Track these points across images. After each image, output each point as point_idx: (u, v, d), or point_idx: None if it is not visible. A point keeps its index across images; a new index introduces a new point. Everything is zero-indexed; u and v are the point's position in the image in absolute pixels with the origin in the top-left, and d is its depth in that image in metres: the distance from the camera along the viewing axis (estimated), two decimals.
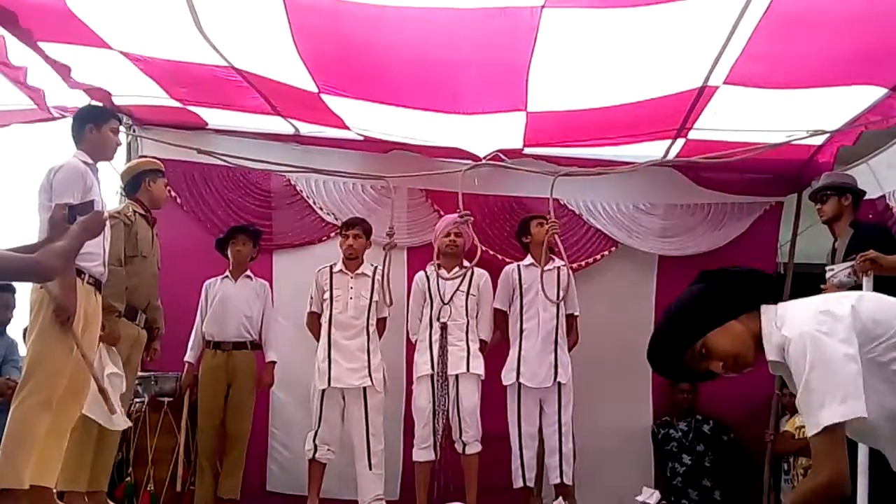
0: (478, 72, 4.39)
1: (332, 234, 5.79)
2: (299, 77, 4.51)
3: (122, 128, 5.44)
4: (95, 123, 4.07)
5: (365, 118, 5.19)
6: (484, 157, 5.57)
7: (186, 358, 5.27)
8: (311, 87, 4.63)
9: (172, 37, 4.24)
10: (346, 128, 5.43)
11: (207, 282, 5.42)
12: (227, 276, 5.41)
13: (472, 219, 5.26)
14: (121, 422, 4.12)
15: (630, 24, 3.78)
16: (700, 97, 4.55)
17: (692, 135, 5.23)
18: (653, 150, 5.55)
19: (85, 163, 3.96)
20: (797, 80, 4.32)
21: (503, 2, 3.62)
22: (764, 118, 4.88)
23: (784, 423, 5.68)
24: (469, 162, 5.55)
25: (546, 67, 4.18)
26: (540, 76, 4.27)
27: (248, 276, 5.44)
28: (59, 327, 3.68)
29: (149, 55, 4.52)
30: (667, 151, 5.54)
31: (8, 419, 3.64)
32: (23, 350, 5.06)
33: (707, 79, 4.30)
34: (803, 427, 5.27)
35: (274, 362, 5.39)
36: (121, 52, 4.49)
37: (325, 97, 4.77)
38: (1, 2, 3.95)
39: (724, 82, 4.34)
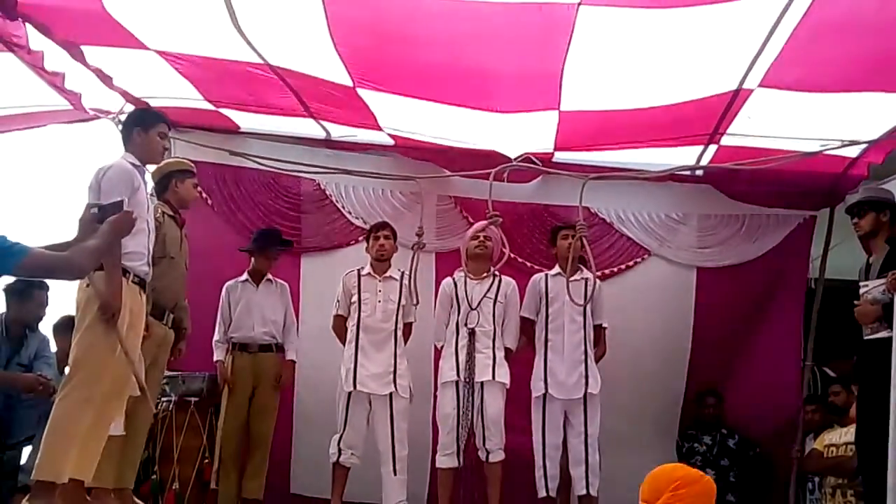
0: (513, 68, 4.36)
1: (360, 239, 5.77)
2: (334, 70, 4.51)
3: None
4: (143, 127, 4.13)
5: (398, 115, 5.18)
6: (514, 159, 5.55)
7: (217, 358, 5.31)
8: (347, 80, 4.63)
9: (208, 34, 4.28)
10: (378, 127, 5.43)
11: (228, 284, 5.46)
12: (247, 280, 5.44)
13: (500, 220, 5.28)
14: (118, 427, 4.12)
15: (666, 24, 3.76)
16: (734, 100, 4.52)
17: (725, 141, 5.19)
18: (684, 157, 5.53)
19: (133, 164, 4.01)
20: (832, 85, 4.26)
21: None
22: (798, 126, 4.83)
23: (811, 441, 5.60)
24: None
25: (581, 66, 4.16)
26: (574, 75, 4.25)
27: (270, 280, 5.48)
28: (104, 325, 3.73)
29: (184, 53, 4.55)
30: (699, 158, 5.50)
31: (51, 414, 3.68)
32: (54, 346, 5.15)
33: (742, 81, 4.27)
34: (832, 446, 5.23)
35: (293, 361, 5.44)
36: (157, 52, 4.53)
37: (360, 91, 4.77)
38: (38, 11, 4.00)
39: (760, 85, 4.30)
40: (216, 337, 5.37)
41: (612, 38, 3.93)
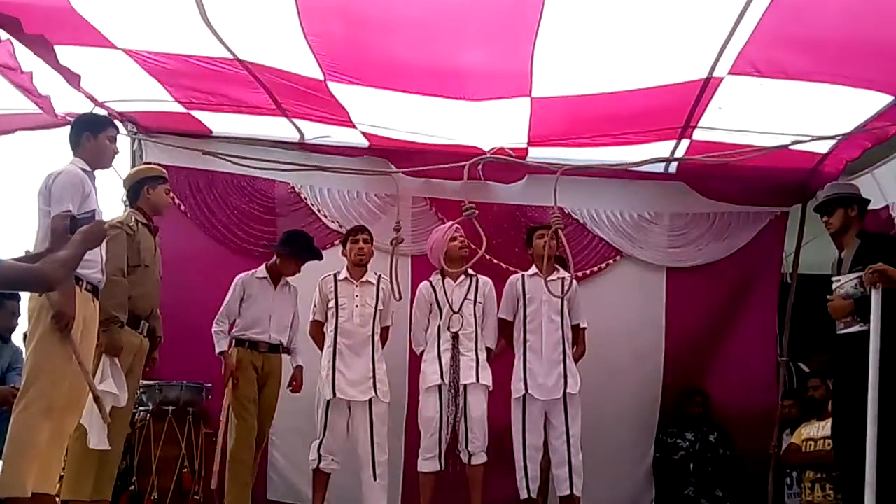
0: (483, 53, 4.35)
1: (336, 242, 5.74)
2: (305, 63, 4.48)
3: (126, 135, 5.47)
4: (92, 132, 4.06)
5: (370, 109, 5.15)
6: (488, 152, 5.54)
7: (221, 349, 5.15)
8: (318, 74, 4.59)
9: (176, 30, 4.24)
10: (352, 124, 5.40)
11: (244, 278, 5.29)
12: (265, 279, 5.31)
13: (476, 212, 5.27)
14: (102, 442, 4.08)
15: (636, 6, 3.78)
16: (705, 89, 4.54)
17: (697, 135, 5.23)
18: (657, 153, 5.55)
19: (83, 170, 3.94)
20: (803, 72, 4.29)
21: None
22: (769, 118, 4.88)
23: (788, 437, 5.66)
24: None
25: (551, 49, 4.15)
26: (544, 58, 4.24)
27: (285, 282, 5.37)
28: (59, 334, 3.68)
29: (152, 51, 4.50)
30: (672, 153, 5.54)
31: (10, 427, 3.62)
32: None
33: (713, 69, 4.30)
34: (811, 440, 5.29)
35: (301, 367, 5.36)
36: (124, 51, 4.48)
37: (331, 85, 4.73)
38: (6, 6, 3.94)
39: (730, 72, 4.32)
40: (218, 328, 5.20)
41: (582, 21, 3.93)
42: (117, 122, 4.67)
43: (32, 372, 3.69)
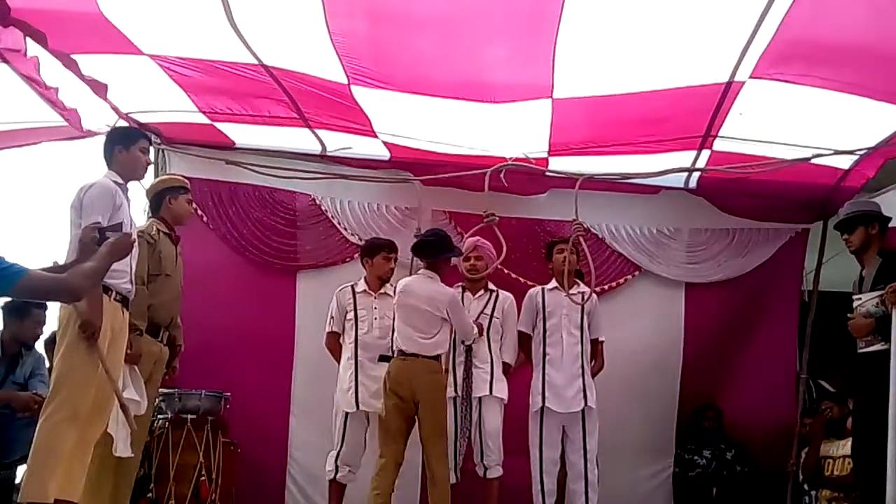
0: (505, 50, 4.34)
1: (356, 256, 5.72)
2: (329, 66, 4.49)
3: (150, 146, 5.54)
4: (124, 144, 4.14)
5: (392, 116, 5.15)
6: (510, 159, 5.51)
7: None
8: (341, 77, 4.61)
9: (203, 33, 4.26)
10: (373, 134, 5.42)
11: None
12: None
13: (496, 219, 5.26)
14: (127, 449, 4.12)
15: (658, 5, 3.77)
16: (726, 94, 4.51)
17: (717, 145, 5.20)
18: (677, 163, 5.52)
19: (116, 182, 4.01)
20: (825, 79, 4.25)
21: None
22: (789, 127, 4.85)
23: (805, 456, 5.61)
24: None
25: (572, 47, 4.12)
26: (566, 56, 4.22)
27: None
28: (86, 343, 3.72)
29: (179, 56, 4.54)
30: (692, 164, 5.52)
31: (35, 434, 3.67)
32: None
33: (734, 73, 4.27)
34: (829, 458, 5.25)
35: None
36: (151, 56, 4.51)
37: (354, 89, 4.74)
38: (32, 17, 3.98)
39: (751, 76, 4.29)
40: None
41: (603, 19, 3.92)
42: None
43: (59, 380, 3.74)
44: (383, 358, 5.10)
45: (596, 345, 5.35)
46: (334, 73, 4.57)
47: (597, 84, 4.60)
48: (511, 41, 4.26)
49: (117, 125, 5.07)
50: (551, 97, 4.70)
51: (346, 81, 4.66)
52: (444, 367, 5.14)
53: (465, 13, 4.04)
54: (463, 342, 5.16)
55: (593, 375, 5.26)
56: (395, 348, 4.97)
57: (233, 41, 4.26)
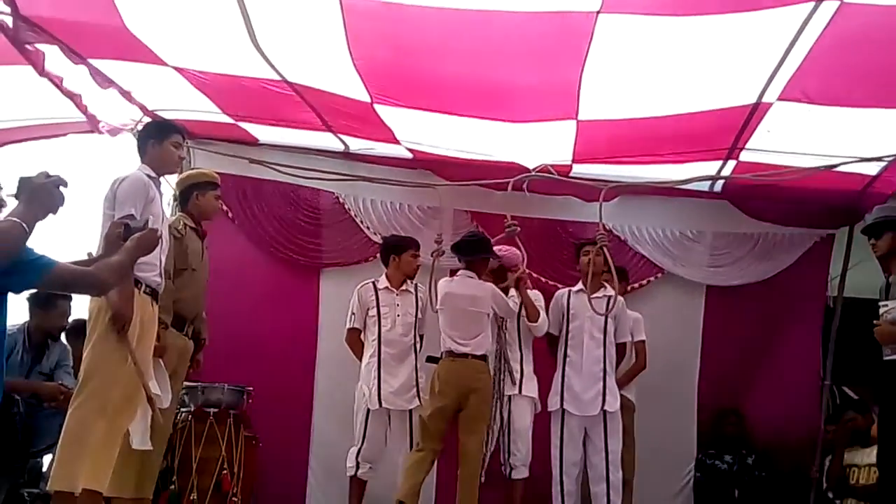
0: (530, 77, 4.36)
1: (378, 255, 5.68)
2: (352, 86, 4.52)
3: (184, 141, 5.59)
4: (157, 138, 4.17)
5: (416, 129, 5.19)
6: (533, 169, 5.53)
7: None
8: (364, 96, 4.64)
9: (226, 50, 4.31)
10: (397, 141, 5.44)
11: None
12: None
13: (518, 229, 5.27)
14: (145, 442, 4.14)
15: (684, 33, 3.76)
16: (753, 114, 4.51)
17: (744, 156, 5.19)
18: (703, 172, 5.53)
19: (148, 176, 4.05)
20: (852, 99, 4.26)
21: (559, 5, 3.58)
22: (817, 141, 4.83)
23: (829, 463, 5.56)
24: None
25: (599, 75, 4.15)
26: (592, 83, 4.24)
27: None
28: (116, 335, 3.75)
29: (202, 70, 4.59)
30: (718, 172, 5.51)
31: (64, 424, 3.70)
32: None
33: (762, 95, 4.27)
34: (854, 466, 5.20)
35: None
36: (175, 68, 4.57)
37: (377, 107, 4.78)
38: (57, 26, 4.04)
39: (779, 98, 4.29)
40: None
41: (631, 47, 3.93)
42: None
43: (88, 371, 3.77)
44: (431, 359, 5.15)
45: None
46: (357, 92, 4.60)
47: (623, 108, 4.63)
48: (537, 70, 4.26)
49: (152, 121, 5.11)
50: (576, 119, 4.73)
51: (369, 100, 4.69)
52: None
53: (489, 47, 4.04)
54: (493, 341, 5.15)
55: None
56: (443, 350, 5.02)
57: (256, 60, 4.30)
